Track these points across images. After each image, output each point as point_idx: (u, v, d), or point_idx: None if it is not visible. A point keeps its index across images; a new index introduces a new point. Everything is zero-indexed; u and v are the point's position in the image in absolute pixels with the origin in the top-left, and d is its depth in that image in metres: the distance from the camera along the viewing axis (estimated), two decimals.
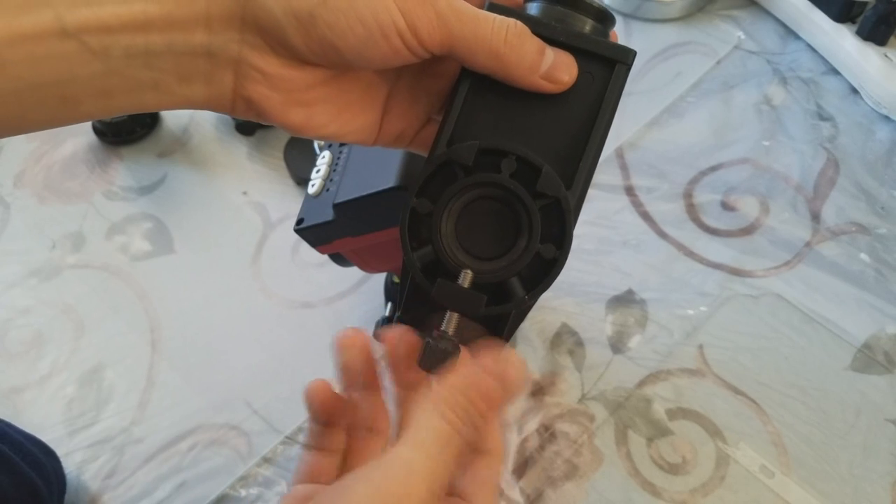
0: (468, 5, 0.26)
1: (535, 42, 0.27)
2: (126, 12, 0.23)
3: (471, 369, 0.25)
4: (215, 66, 0.25)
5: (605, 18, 0.29)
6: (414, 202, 0.28)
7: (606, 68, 0.28)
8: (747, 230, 0.69)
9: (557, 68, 0.27)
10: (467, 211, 0.28)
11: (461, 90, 0.28)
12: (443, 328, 0.28)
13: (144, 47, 0.24)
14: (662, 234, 0.69)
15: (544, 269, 0.28)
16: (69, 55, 0.23)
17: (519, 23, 0.27)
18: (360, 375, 0.28)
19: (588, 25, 0.28)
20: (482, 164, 0.28)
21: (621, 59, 0.28)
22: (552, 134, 0.28)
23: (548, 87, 0.27)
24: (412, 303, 0.30)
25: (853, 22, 0.78)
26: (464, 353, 0.27)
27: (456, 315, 0.28)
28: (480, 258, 0.28)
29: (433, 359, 0.27)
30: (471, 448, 0.26)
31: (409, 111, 0.31)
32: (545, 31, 0.27)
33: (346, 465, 0.29)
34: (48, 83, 0.23)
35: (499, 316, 0.29)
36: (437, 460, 0.23)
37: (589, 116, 0.28)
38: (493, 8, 0.28)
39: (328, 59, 0.26)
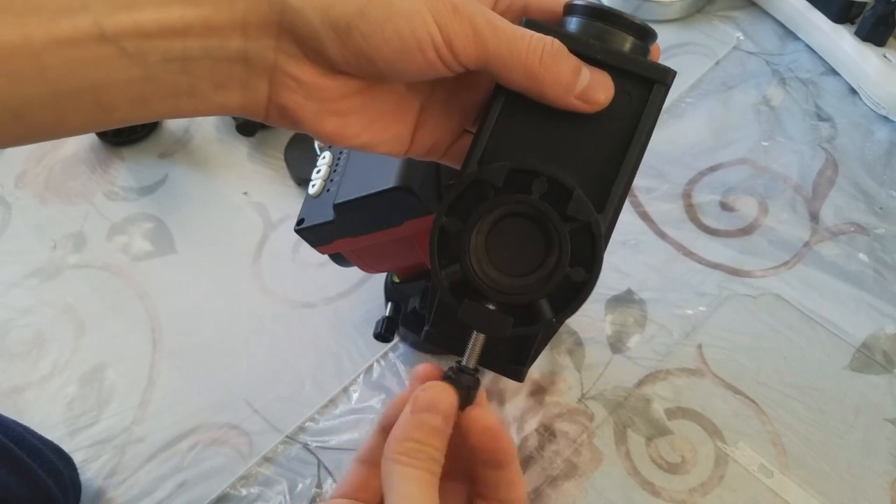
0: (506, 22, 0.26)
1: (572, 61, 0.26)
2: (164, 17, 0.23)
3: (404, 416, 0.27)
4: (251, 73, 0.25)
5: (645, 35, 0.28)
6: (444, 220, 0.27)
7: (644, 88, 0.27)
8: (746, 230, 0.69)
9: (593, 88, 0.27)
10: (497, 228, 0.28)
11: (494, 107, 0.28)
12: (464, 362, 0.28)
13: (182, 52, 0.24)
14: (661, 235, 0.69)
15: (572, 292, 0.27)
16: (107, 60, 0.23)
17: (556, 41, 0.26)
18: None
19: (628, 42, 0.28)
20: (513, 182, 0.27)
21: (660, 79, 0.27)
22: (586, 154, 0.28)
23: (583, 107, 0.27)
24: (441, 317, 0.30)
25: (852, 23, 0.78)
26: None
27: (479, 344, 0.28)
28: (509, 275, 0.27)
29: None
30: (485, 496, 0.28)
31: (442, 124, 0.31)
32: (582, 48, 0.27)
33: None
34: (85, 88, 0.23)
35: (524, 338, 0.29)
36: (423, 499, 0.25)
37: (624, 137, 0.27)
38: (531, 24, 0.27)
39: (363, 70, 0.26)
